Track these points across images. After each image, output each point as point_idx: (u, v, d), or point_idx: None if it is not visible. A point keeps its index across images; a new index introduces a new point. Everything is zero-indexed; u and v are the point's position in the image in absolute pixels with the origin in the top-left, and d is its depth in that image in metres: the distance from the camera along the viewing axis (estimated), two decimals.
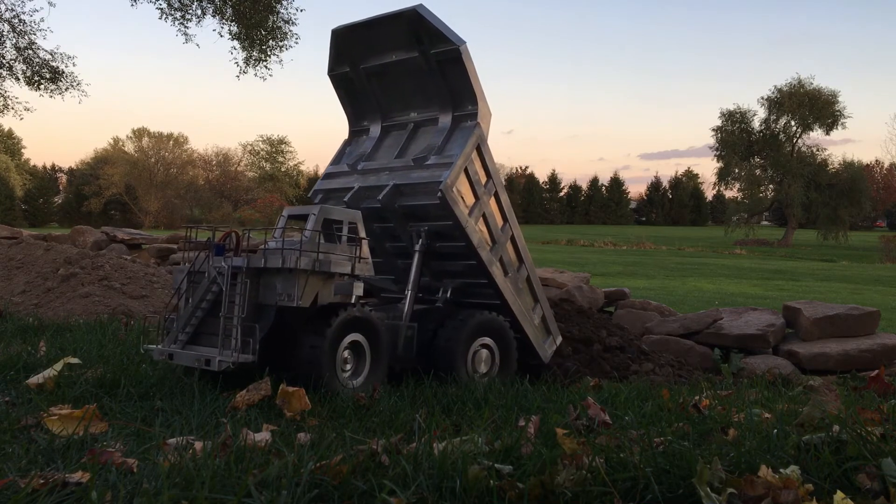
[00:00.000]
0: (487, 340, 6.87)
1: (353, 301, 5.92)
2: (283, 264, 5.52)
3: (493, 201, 6.97)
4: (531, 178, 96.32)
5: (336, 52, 7.24)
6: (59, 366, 5.59)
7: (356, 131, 7.75)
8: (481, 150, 6.78)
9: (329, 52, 7.35)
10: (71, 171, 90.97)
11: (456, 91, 6.83)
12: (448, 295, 7.30)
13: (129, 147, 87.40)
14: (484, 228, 6.87)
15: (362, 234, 6.17)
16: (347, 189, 7.22)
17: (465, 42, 6.52)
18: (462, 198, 6.62)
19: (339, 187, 7.39)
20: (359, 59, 7.18)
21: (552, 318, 7.69)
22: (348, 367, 5.89)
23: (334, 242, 5.98)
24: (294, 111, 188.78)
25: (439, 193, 6.40)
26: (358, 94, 7.47)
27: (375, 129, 7.55)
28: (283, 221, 6.67)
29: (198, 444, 3.65)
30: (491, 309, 7.07)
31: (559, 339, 7.74)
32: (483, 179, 6.84)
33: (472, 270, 7.03)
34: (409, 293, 6.84)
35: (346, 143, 7.77)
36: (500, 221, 7.07)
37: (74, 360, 5.87)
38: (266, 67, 20.96)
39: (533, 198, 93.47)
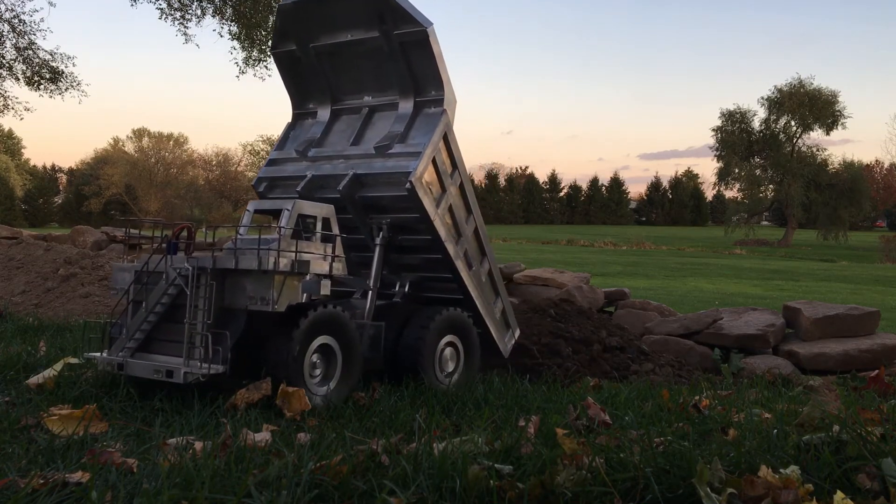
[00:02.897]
0: (453, 338, 6.60)
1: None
2: (260, 266, 5.16)
3: (458, 192, 6.68)
4: (531, 178, 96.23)
5: (282, 28, 6.79)
6: (58, 366, 5.60)
7: (301, 114, 7.27)
8: (447, 138, 6.45)
9: (274, 29, 6.95)
10: (71, 171, 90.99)
11: (419, 75, 6.45)
12: (406, 289, 7.00)
13: (129, 147, 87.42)
14: (450, 221, 6.58)
15: (336, 229, 5.88)
16: (299, 177, 6.74)
17: (432, 24, 6.17)
18: (430, 190, 6.30)
19: (287, 175, 6.91)
20: (308, 36, 6.71)
21: (511, 311, 7.49)
22: (317, 372, 5.54)
23: (304, 239, 5.61)
24: None
25: (408, 185, 6.04)
26: (305, 74, 6.98)
27: (324, 113, 7.07)
28: (249, 217, 6.20)
29: (198, 444, 3.66)
30: (450, 303, 6.80)
31: (517, 332, 7.56)
32: (449, 169, 6.54)
33: (435, 264, 6.73)
34: (370, 289, 6.51)
35: (290, 127, 7.28)
36: (464, 213, 6.78)
37: (74, 360, 5.87)
38: (266, 67, 20.96)
39: (533, 198, 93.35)
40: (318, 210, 5.81)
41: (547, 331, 8.20)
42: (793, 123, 61.10)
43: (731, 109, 62.50)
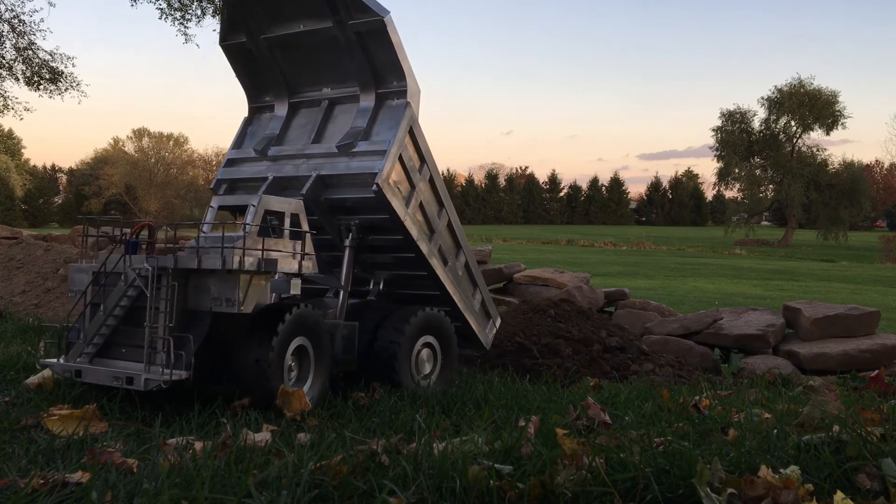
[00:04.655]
0: (430, 339, 6.38)
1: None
2: (224, 265, 4.90)
3: (428, 187, 6.41)
4: (531, 178, 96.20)
5: (230, 20, 6.47)
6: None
7: (258, 108, 6.95)
8: (413, 132, 6.17)
9: (221, 20, 6.65)
10: (71, 171, 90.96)
11: (379, 66, 6.17)
12: (381, 287, 6.79)
13: (129, 147, 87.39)
14: (422, 218, 6.34)
15: (305, 226, 5.62)
16: (260, 179, 6.45)
17: (389, 12, 5.90)
18: (398, 189, 6.04)
19: (248, 177, 6.60)
20: (258, 28, 6.40)
21: (491, 300, 7.33)
22: (293, 374, 5.37)
23: (272, 236, 5.35)
24: None
25: (375, 187, 5.78)
26: (258, 66, 6.65)
27: (282, 107, 6.76)
28: (213, 214, 5.91)
29: (198, 444, 3.66)
30: (427, 299, 6.63)
31: (499, 322, 7.44)
32: (417, 164, 6.27)
33: (409, 263, 6.52)
34: (343, 290, 6.26)
35: (247, 122, 6.95)
36: (436, 207, 6.54)
37: None
38: None
39: (533, 198, 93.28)
40: (286, 206, 5.55)
41: (547, 331, 8.20)
42: (793, 123, 61.03)
43: (731, 109, 62.44)
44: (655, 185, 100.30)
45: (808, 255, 43.98)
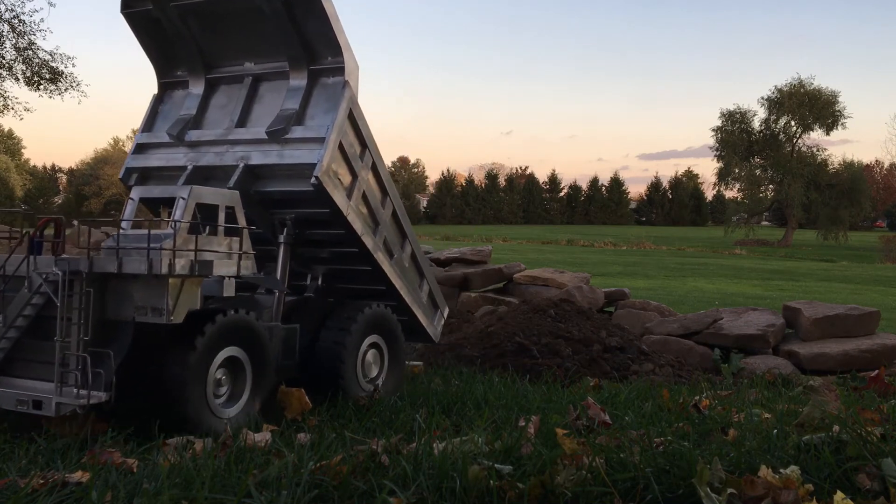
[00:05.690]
0: (376, 338, 5.96)
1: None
2: (151, 269, 4.27)
3: (370, 175, 5.90)
4: (531, 179, 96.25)
5: None
6: None
7: (169, 84, 6.17)
8: (353, 115, 5.59)
9: None
10: (71, 171, 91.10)
11: (311, 39, 5.53)
12: (319, 282, 6.25)
13: (129, 147, 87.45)
14: (365, 210, 5.84)
15: (242, 221, 4.99)
16: (177, 168, 5.75)
17: None
18: (340, 180, 5.47)
19: (163, 165, 5.89)
20: None
21: (438, 289, 6.98)
22: (223, 391, 4.77)
23: (203, 233, 4.69)
24: None
25: (314, 180, 5.21)
26: (168, 37, 5.86)
27: (197, 84, 5.99)
28: (133, 207, 5.17)
29: (198, 444, 3.66)
30: (371, 293, 6.18)
31: (446, 311, 7.15)
32: (359, 151, 5.72)
33: (351, 258, 6.03)
34: (280, 290, 5.69)
35: (158, 100, 6.18)
36: (379, 195, 6.05)
37: None
38: None
39: (533, 198, 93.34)
40: (220, 198, 4.88)
41: (547, 331, 8.21)
42: (793, 123, 61.06)
43: (731, 109, 62.46)
44: (655, 185, 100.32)
45: (808, 255, 43.98)
